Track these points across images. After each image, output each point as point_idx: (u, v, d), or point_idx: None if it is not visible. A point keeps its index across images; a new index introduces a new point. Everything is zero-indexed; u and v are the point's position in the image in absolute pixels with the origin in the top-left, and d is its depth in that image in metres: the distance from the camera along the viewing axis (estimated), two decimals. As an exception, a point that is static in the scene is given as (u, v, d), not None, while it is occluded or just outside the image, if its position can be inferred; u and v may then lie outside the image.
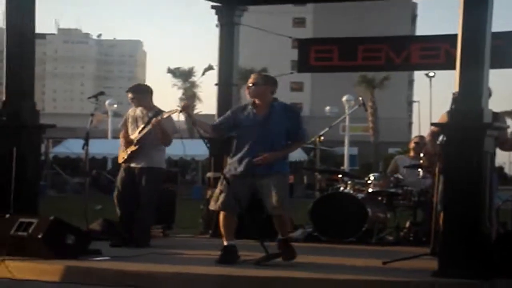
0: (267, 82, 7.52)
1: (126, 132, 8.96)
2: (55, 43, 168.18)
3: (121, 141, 9.01)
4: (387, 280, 6.61)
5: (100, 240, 8.66)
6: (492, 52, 7.04)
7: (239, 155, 7.44)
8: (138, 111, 8.90)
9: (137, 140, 8.73)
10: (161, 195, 9.09)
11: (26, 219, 7.68)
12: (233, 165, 7.49)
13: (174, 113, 8.22)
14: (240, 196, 7.39)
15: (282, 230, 7.52)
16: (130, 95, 8.93)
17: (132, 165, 8.77)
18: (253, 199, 7.70)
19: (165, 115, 8.27)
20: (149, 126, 8.52)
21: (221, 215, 7.49)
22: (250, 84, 7.49)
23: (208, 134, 7.81)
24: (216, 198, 7.49)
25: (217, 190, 7.54)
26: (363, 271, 7.05)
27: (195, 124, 7.57)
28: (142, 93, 8.95)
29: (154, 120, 8.36)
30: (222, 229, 7.51)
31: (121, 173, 8.88)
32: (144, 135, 8.67)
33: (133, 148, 8.72)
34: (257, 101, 7.48)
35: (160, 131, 8.47)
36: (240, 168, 7.42)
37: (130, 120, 8.96)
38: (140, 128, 8.76)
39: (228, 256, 7.36)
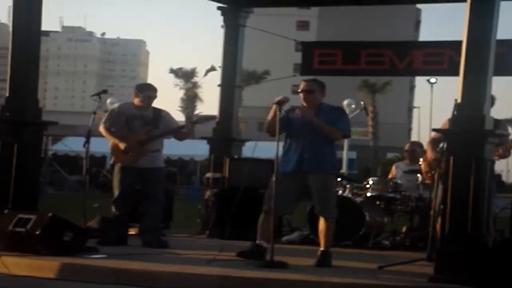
0: (322, 88, 7.85)
1: (110, 129, 8.67)
2: (58, 41, 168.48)
3: (114, 139, 8.66)
4: (382, 284, 6.62)
5: (97, 238, 8.66)
6: (496, 59, 7.06)
7: (290, 154, 7.71)
8: (134, 110, 8.68)
9: (145, 142, 8.53)
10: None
11: (24, 215, 7.68)
12: (284, 163, 7.70)
13: (211, 119, 8.65)
14: (290, 196, 7.63)
15: (323, 238, 7.63)
16: (154, 93, 8.70)
17: (136, 166, 8.56)
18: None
19: (203, 120, 8.76)
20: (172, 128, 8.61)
21: (262, 214, 7.64)
22: (306, 90, 7.74)
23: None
24: (265, 200, 7.66)
25: (267, 192, 7.69)
26: (359, 275, 7.04)
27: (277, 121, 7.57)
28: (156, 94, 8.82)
29: (190, 123, 8.70)
30: (258, 228, 7.64)
31: (124, 174, 8.62)
32: (154, 137, 8.52)
33: (144, 151, 8.50)
34: (308, 105, 7.77)
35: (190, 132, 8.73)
36: (290, 167, 7.66)
37: (124, 117, 8.65)
38: (146, 129, 8.54)
39: (249, 254, 7.44)
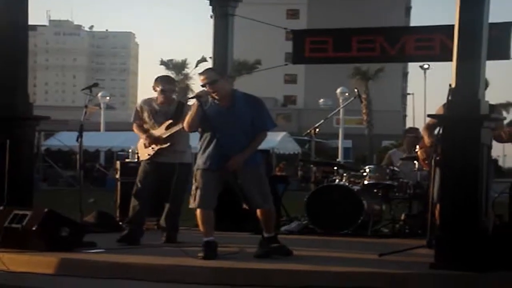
0: (221, 75, 7.44)
1: (142, 126, 8.50)
2: (46, 35, 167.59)
3: (140, 135, 8.47)
4: (384, 272, 6.58)
5: (94, 233, 8.61)
6: (488, 43, 7.00)
7: (209, 149, 7.32)
8: (155, 105, 8.44)
9: (166, 137, 8.28)
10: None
11: (20, 211, 7.64)
12: (202, 159, 7.37)
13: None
14: (215, 190, 7.35)
15: (268, 226, 7.38)
16: (168, 86, 8.47)
17: (160, 160, 8.35)
18: (228, 191, 7.56)
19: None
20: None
21: (199, 211, 7.35)
22: (205, 82, 7.28)
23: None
24: (194, 196, 7.37)
25: (193, 187, 7.39)
26: (360, 263, 7.02)
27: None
28: (175, 87, 8.59)
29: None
30: (201, 226, 7.36)
31: (145, 168, 8.41)
32: (171, 131, 8.25)
33: (162, 145, 8.29)
34: (218, 96, 7.33)
35: None
36: (210, 163, 7.30)
37: (146, 114, 8.45)
38: (166, 124, 8.29)
39: (212, 252, 7.20)
